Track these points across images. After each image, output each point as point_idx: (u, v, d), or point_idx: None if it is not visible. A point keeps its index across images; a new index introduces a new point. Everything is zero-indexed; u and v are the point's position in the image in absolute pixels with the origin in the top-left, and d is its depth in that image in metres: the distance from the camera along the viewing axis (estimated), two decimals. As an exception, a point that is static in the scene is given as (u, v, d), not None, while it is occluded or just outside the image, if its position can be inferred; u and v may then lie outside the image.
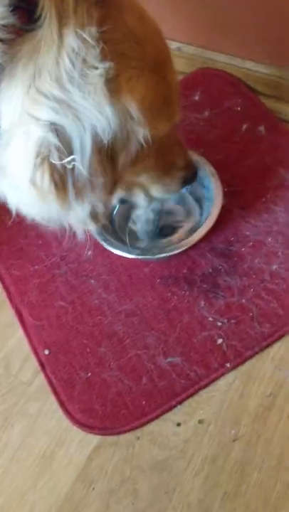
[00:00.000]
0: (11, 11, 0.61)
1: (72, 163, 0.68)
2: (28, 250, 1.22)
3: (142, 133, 0.73)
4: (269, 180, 1.22)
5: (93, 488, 0.95)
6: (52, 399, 1.04)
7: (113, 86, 0.66)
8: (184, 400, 1.00)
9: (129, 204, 1.05)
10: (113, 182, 0.77)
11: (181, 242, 1.11)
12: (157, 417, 0.99)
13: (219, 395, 1.00)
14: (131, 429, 0.99)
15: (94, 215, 0.80)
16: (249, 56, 1.34)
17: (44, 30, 0.63)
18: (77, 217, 0.80)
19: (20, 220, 1.18)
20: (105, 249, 1.15)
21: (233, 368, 1.02)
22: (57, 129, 0.66)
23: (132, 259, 1.13)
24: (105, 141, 0.69)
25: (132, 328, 1.09)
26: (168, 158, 0.91)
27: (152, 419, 0.99)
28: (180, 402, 1.00)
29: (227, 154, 1.27)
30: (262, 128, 1.30)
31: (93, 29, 0.63)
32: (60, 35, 0.62)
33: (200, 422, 0.98)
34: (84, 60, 0.63)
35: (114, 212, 1.17)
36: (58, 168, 0.68)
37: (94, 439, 0.99)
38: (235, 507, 0.90)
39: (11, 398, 1.06)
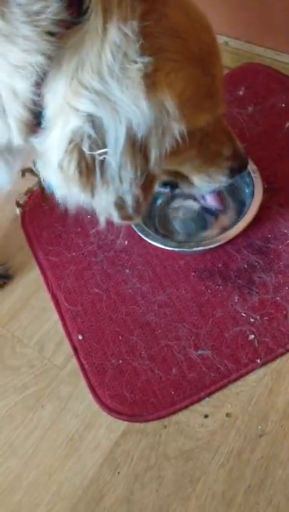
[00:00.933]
0: (64, 5, 0.63)
1: (104, 155, 0.70)
2: (67, 237, 1.25)
3: (177, 129, 0.72)
4: (310, 178, 1.21)
5: (119, 473, 0.97)
6: (83, 383, 1.06)
7: (151, 80, 0.67)
8: (212, 392, 1.01)
9: (169, 195, 1.04)
10: (145, 177, 0.76)
11: (218, 236, 1.12)
12: (185, 407, 1.01)
13: (248, 390, 1.01)
14: (158, 417, 1.00)
15: (119, 206, 0.79)
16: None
17: (90, 23, 0.65)
18: (101, 206, 0.80)
19: (59, 208, 1.24)
20: (142, 240, 1.16)
21: (264, 364, 1.02)
22: (93, 121, 0.68)
23: (167, 251, 1.14)
24: (139, 136, 0.69)
25: (165, 319, 1.10)
26: (213, 148, 0.89)
27: (180, 410, 1.01)
28: (208, 395, 1.01)
29: (269, 151, 1.26)
30: (306, 126, 1.29)
31: (135, 23, 0.65)
32: (104, 29, 0.64)
33: (227, 415, 0.99)
34: (125, 54, 0.65)
35: (155, 204, 1.18)
36: (86, 157, 0.70)
37: (122, 425, 1.01)
38: (258, 501, 0.91)
39: (43, 380, 1.09)
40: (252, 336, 1.05)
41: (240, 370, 1.02)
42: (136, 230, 1.15)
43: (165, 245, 1.13)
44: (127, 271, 1.17)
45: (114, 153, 0.70)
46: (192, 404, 1.01)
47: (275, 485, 0.92)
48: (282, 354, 1.02)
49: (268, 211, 1.17)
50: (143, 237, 1.15)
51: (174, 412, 1.01)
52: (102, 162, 0.71)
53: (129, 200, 0.78)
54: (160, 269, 1.16)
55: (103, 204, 0.79)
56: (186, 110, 0.72)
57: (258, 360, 1.02)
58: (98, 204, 0.79)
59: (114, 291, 1.15)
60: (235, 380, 1.02)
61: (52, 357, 1.11)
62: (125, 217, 0.81)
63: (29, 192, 1.34)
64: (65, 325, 1.14)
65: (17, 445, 1.03)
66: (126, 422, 1.01)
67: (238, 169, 0.97)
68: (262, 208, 1.14)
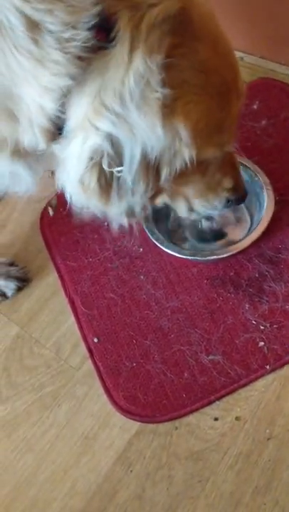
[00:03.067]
0: (93, 32, 0.67)
1: (120, 172, 0.76)
2: (84, 243, 1.30)
3: (188, 154, 0.77)
4: None
5: (131, 471, 1.01)
6: (98, 384, 1.11)
7: (169, 110, 0.71)
8: (222, 396, 1.05)
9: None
10: (155, 191, 0.83)
11: (230, 246, 1.16)
12: (196, 410, 1.05)
13: (257, 395, 1.05)
14: (170, 419, 1.05)
15: (130, 214, 0.85)
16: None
17: (116, 50, 0.69)
18: (114, 214, 0.86)
19: (77, 214, 1.28)
20: (156, 248, 1.21)
21: (273, 370, 1.06)
22: (112, 140, 0.73)
23: (181, 259, 1.18)
24: (153, 156, 0.75)
25: (177, 324, 1.14)
26: (216, 177, 0.94)
27: (191, 412, 1.05)
28: (219, 399, 1.05)
29: (281, 164, 1.30)
30: (317, 140, 1.33)
31: (159, 57, 0.68)
32: (130, 58, 0.68)
33: (237, 418, 1.03)
34: (147, 83, 0.69)
35: (171, 214, 1.22)
36: (105, 173, 0.76)
37: (135, 426, 1.05)
38: (265, 502, 0.94)
39: (60, 380, 1.13)
40: (262, 343, 1.09)
41: (249, 376, 1.06)
42: (151, 237, 1.19)
43: (179, 253, 1.17)
44: (142, 277, 1.22)
45: (129, 170, 0.76)
46: (203, 407, 1.05)
47: (281, 486, 0.96)
48: (290, 361, 1.06)
49: (280, 222, 1.21)
50: (158, 244, 1.19)
51: (185, 414, 1.05)
52: (119, 178, 0.77)
53: (138, 209, 0.84)
54: (174, 276, 1.20)
55: (116, 213, 0.85)
56: (197, 139, 0.76)
57: (267, 367, 1.06)
58: (111, 213, 0.86)
59: (129, 297, 1.20)
60: (245, 385, 1.06)
61: (68, 358, 1.16)
62: (133, 221, 0.88)
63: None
64: (81, 328, 1.18)
65: (34, 442, 1.07)
66: (139, 423, 1.05)
67: (235, 201, 1.02)
68: (273, 219, 1.18)
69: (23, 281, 1.27)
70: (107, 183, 0.77)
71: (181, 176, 0.83)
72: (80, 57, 0.68)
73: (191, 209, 1.01)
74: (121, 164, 0.75)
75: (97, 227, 1.30)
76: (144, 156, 0.74)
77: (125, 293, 1.21)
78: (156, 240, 1.19)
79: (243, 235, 1.18)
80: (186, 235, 1.23)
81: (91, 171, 0.76)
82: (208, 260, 1.17)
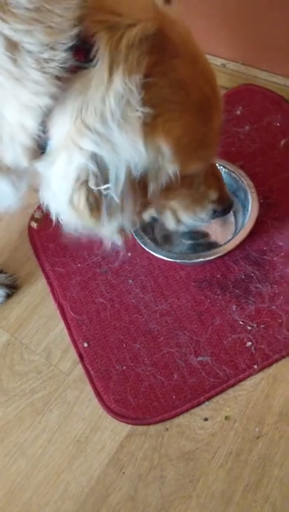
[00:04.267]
0: (72, 52, 0.68)
1: (108, 190, 0.76)
2: (72, 249, 1.31)
3: (171, 169, 0.78)
4: (304, 194, 1.28)
5: (123, 473, 1.02)
6: (89, 388, 1.12)
7: (150, 128, 0.73)
8: (212, 396, 1.07)
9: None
10: (142, 206, 0.84)
11: (217, 248, 1.18)
12: (186, 411, 1.06)
13: (246, 395, 1.06)
14: (161, 420, 1.06)
15: (121, 231, 0.86)
16: (290, 74, 1.41)
17: (97, 69, 0.70)
18: (106, 232, 0.86)
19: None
20: (144, 252, 1.22)
21: (260, 369, 1.08)
22: (96, 159, 0.74)
23: (169, 262, 1.20)
24: (138, 173, 0.76)
25: (166, 327, 1.16)
26: (201, 190, 0.97)
27: (181, 413, 1.06)
28: (208, 399, 1.07)
29: (265, 167, 1.33)
30: (299, 144, 1.36)
31: (138, 77, 0.69)
32: (110, 77, 0.69)
33: (226, 418, 1.05)
34: (128, 102, 0.70)
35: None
36: (94, 193, 0.77)
37: (126, 428, 1.07)
38: (255, 499, 0.96)
39: (51, 385, 1.14)
40: (249, 343, 1.10)
41: (238, 376, 1.08)
42: (139, 242, 1.21)
43: (167, 257, 1.19)
44: (131, 281, 1.23)
45: (116, 188, 0.76)
46: (193, 407, 1.06)
47: (271, 484, 0.97)
48: (277, 360, 1.08)
49: (264, 225, 1.24)
50: (146, 249, 1.21)
51: (176, 416, 1.06)
52: (107, 196, 0.78)
53: (128, 225, 0.85)
54: (162, 279, 1.22)
55: (108, 232, 0.86)
56: (180, 156, 0.78)
57: (255, 366, 1.08)
58: (103, 232, 0.87)
59: (118, 301, 1.21)
60: (234, 384, 1.07)
61: (59, 363, 1.17)
62: (124, 237, 0.89)
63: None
64: (71, 333, 1.20)
65: (26, 447, 1.08)
66: (130, 425, 1.07)
67: (221, 212, 1.05)
68: (258, 221, 1.20)
69: (12, 289, 1.28)
70: (96, 202, 0.78)
71: (168, 191, 0.85)
72: (59, 77, 0.69)
73: (178, 221, 1.03)
74: (107, 182, 0.76)
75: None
76: (129, 173, 0.76)
77: (114, 297, 1.22)
78: (144, 244, 1.20)
79: (228, 237, 1.20)
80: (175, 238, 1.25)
81: (79, 191, 0.77)
82: (196, 263, 1.19)
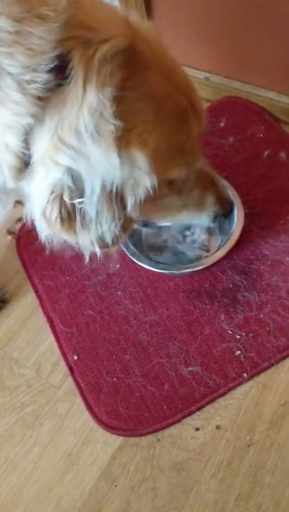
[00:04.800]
0: (53, 73, 0.70)
1: (82, 204, 0.77)
2: (61, 262, 1.31)
3: (148, 182, 0.79)
4: (288, 203, 1.29)
5: (116, 485, 1.02)
6: (79, 401, 1.12)
7: (124, 141, 0.74)
8: (202, 406, 1.07)
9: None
10: (124, 221, 0.84)
11: (204, 259, 1.19)
12: (177, 421, 1.06)
13: (236, 403, 1.07)
14: (152, 431, 1.06)
15: (102, 244, 0.86)
16: (272, 87, 1.43)
17: (71, 86, 0.71)
18: (84, 244, 0.86)
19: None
20: (133, 263, 1.23)
21: (250, 378, 1.09)
22: (72, 173, 0.75)
23: (157, 273, 1.21)
24: (114, 186, 0.77)
25: (156, 337, 1.16)
26: (194, 195, 0.98)
27: (172, 423, 1.06)
28: (199, 409, 1.07)
29: (249, 178, 1.35)
30: (283, 154, 1.38)
31: (111, 91, 0.71)
32: (84, 93, 0.70)
33: (217, 427, 1.05)
34: (101, 116, 0.71)
35: (144, 230, 1.25)
36: (67, 206, 0.78)
37: (118, 440, 1.06)
38: (248, 507, 0.96)
39: (41, 399, 1.14)
40: (238, 352, 1.11)
41: (228, 384, 1.08)
42: (127, 253, 1.22)
43: (155, 267, 1.20)
44: (120, 293, 1.24)
45: (91, 201, 0.77)
46: (184, 417, 1.07)
47: (263, 491, 0.98)
48: (266, 368, 1.09)
49: (250, 234, 1.25)
50: (134, 260, 1.21)
51: (167, 426, 1.06)
52: (81, 209, 0.78)
53: (108, 238, 0.85)
54: (151, 290, 1.23)
55: (86, 243, 0.86)
56: (157, 166, 0.79)
57: (245, 375, 1.09)
58: (81, 242, 0.86)
59: (107, 313, 1.22)
60: (224, 393, 1.08)
61: (49, 376, 1.16)
62: (105, 249, 0.88)
63: (20, 220, 1.40)
64: (60, 346, 1.19)
65: (17, 461, 1.07)
66: (122, 437, 1.07)
67: (222, 214, 1.07)
68: (244, 231, 1.21)
69: (1, 303, 1.28)
70: (69, 215, 0.79)
71: (154, 201, 0.85)
72: (40, 98, 0.70)
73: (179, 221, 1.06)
74: (82, 196, 0.77)
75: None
76: (105, 187, 0.77)
77: (104, 309, 1.23)
78: (132, 255, 1.21)
79: (216, 247, 1.22)
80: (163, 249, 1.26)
81: (52, 204, 0.77)
82: (184, 273, 1.20)
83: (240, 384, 1.08)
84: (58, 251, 0.92)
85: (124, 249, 1.21)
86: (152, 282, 1.24)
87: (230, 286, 1.20)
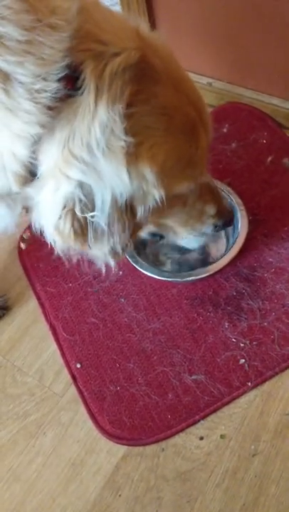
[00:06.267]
0: (63, 83, 0.70)
1: (94, 217, 0.78)
2: (63, 269, 1.31)
3: (157, 194, 0.80)
4: (292, 210, 1.29)
5: (120, 495, 1.01)
6: (83, 410, 1.11)
7: (133, 156, 0.74)
8: (207, 415, 1.07)
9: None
10: (132, 229, 0.85)
11: (208, 266, 1.18)
12: (181, 430, 1.06)
13: (240, 412, 1.06)
14: (156, 440, 1.05)
15: (114, 253, 0.87)
16: (275, 93, 1.43)
17: (83, 99, 0.71)
18: (97, 254, 0.88)
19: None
20: (136, 271, 1.23)
21: (254, 386, 1.08)
22: (83, 187, 0.76)
23: (160, 280, 1.20)
24: (124, 200, 0.78)
25: (160, 346, 1.16)
26: (197, 206, 0.98)
27: (177, 433, 1.06)
28: (203, 418, 1.07)
29: (252, 184, 1.34)
30: (286, 160, 1.37)
31: (121, 107, 0.71)
32: (96, 106, 0.71)
33: (222, 436, 1.05)
34: (112, 132, 0.72)
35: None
36: (79, 219, 0.78)
37: (121, 449, 1.06)
38: (253, 518, 0.96)
39: (44, 408, 1.13)
40: (242, 360, 1.11)
41: (232, 393, 1.08)
42: (130, 261, 1.21)
43: (158, 275, 1.19)
44: (122, 300, 1.23)
45: (102, 214, 0.78)
46: (188, 427, 1.06)
47: (268, 502, 0.97)
48: (271, 377, 1.09)
49: (254, 241, 1.25)
50: (137, 267, 1.21)
51: (171, 435, 1.06)
52: (93, 222, 0.79)
53: (119, 248, 0.86)
54: (154, 297, 1.22)
55: (99, 254, 0.87)
56: (166, 179, 0.80)
57: (249, 383, 1.08)
58: (94, 254, 0.88)
59: (110, 320, 1.21)
60: (228, 402, 1.07)
61: (52, 385, 1.16)
62: (117, 258, 0.90)
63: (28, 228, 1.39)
64: (63, 354, 1.19)
65: (20, 471, 1.07)
66: (125, 446, 1.06)
67: (222, 226, 1.06)
68: (248, 238, 1.21)
69: (3, 310, 1.28)
70: (81, 228, 0.80)
71: (161, 211, 0.86)
72: (50, 107, 0.70)
73: (180, 236, 1.05)
74: (93, 209, 0.78)
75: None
76: (115, 200, 0.77)
77: (106, 317, 1.22)
78: (136, 263, 1.21)
79: (221, 253, 1.21)
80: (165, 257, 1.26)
81: (65, 218, 0.78)
82: (187, 281, 1.19)
83: (244, 393, 1.08)
84: (64, 257, 0.92)
85: (128, 257, 1.21)
86: (155, 289, 1.23)
87: (234, 293, 1.19)
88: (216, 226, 1.04)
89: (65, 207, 0.77)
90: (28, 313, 1.27)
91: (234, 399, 1.08)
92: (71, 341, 1.20)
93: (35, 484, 1.05)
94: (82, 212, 0.77)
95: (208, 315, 1.18)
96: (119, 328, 1.20)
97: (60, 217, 0.78)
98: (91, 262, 0.94)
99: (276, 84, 1.41)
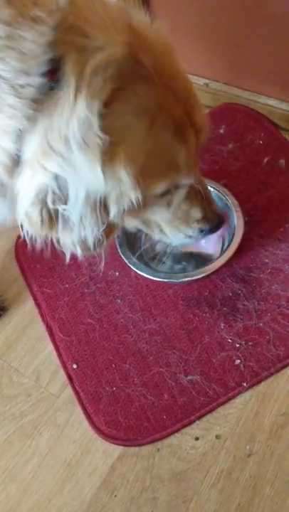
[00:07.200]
0: (47, 77, 0.68)
1: (65, 209, 0.77)
2: (60, 270, 1.31)
3: (133, 196, 0.77)
4: (288, 211, 1.29)
5: (115, 496, 1.02)
6: (79, 410, 1.11)
7: (109, 155, 0.72)
8: (202, 415, 1.07)
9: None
10: (109, 227, 0.83)
11: (204, 267, 1.18)
12: (177, 430, 1.06)
13: (236, 413, 1.07)
14: (152, 441, 1.06)
15: (84, 246, 0.84)
16: (272, 94, 1.43)
17: (63, 92, 0.70)
18: (65, 244, 0.85)
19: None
20: (132, 271, 1.23)
21: (250, 387, 1.08)
22: (58, 180, 0.74)
23: (157, 281, 1.21)
24: (98, 196, 0.76)
25: (155, 346, 1.16)
26: (182, 208, 0.95)
27: (172, 433, 1.06)
28: (199, 418, 1.07)
29: (248, 185, 1.35)
30: (282, 161, 1.37)
31: (100, 103, 0.69)
32: (75, 101, 0.69)
33: (217, 437, 1.05)
34: (89, 128, 0.70)
35: (142, 237, 1.25)
36: (49, 209, 0.77)
37: (117, 450, 1.06)
38: (248, 518, 0.96)
39: (40, 408, 1.13)
40: (238, 361, 1.11)
41: (227, 394, 1.08)
42: (126, 261, 1.21)
43: (154, 276, 1.19)
44: (119, 301, 1.24)
45: (74, 208, 0.77)
46: (183, 427, 1.06)
47: (263, 502, 0.97)
48: (266, 377, 1.09)
49: (250, 242, 1.25)
50: (133, 268, 1.21)
51: (167, 436, 1.06)
52: (63, 214, 0.78)
53: (90, 242, 0.84)
54: (150, 298, 1.23)
55: (67, 243, 0.85)
56: (144, 181, 0.77)
57: (244, 384, 1.08)
58: (62, 242, 0.85)
59: (106, 321, 1.21)
60: (224, 403, 1.08)
61: (48, 385, 1.16)
62: (87, 252, 0.87)
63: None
64: (59, 354, 1.19)
65: (16, 472, 1.07)
66: (121, 447, 1.06)
67: (208, 231, 1.02)
68: (244, 239, 1.21)
69: (0, 310, 1.28)
70: (50, 218, 0.79)
71: (141, 210, 0.84)
72: (34, 100, 0.70)
73: (165, 236, 1.01)
74: (66, 203, 0.77)
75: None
76: (89, 196, 0.76)
77: (103, 317, 1.22)
78: (132, 264, 1.21)
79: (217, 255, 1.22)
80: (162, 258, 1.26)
81: (35, 206, 0.77)
82: (183, 281, 1.19)
83: (239, 393, 1.08)
84: (29, 242, 0.89)
85: (124, 258, 1.21)
86: (151, 290, 1.23)
87: (230, 294, 1.19)
88: (201, 231, 1.01)
89: (37, 196, 0.76)
90: (25, 313, 1.28)
91: (229, 399, 1.08)
92: (67, 342, 1.20)
93: (31, 485, 1.05)
94: (54, 203, 0.76)
95: (204, 316, 1.18)
96: (116, 328, 1.20)
97: (32, 204, 0.77)
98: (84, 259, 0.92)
99: (273, 86, 1.41)
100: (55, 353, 1.19)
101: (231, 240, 1.20)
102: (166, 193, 0.87)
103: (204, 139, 0.86)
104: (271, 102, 1.44)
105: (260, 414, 1.06)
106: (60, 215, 0.79)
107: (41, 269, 1.32)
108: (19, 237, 1.36)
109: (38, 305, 1.27)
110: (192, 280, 1.19)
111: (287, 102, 1.41)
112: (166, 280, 1.20)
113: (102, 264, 0.94)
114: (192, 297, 1.21)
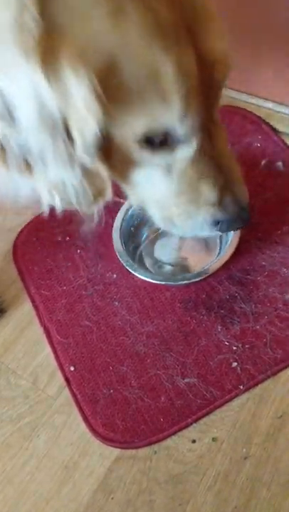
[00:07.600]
0: None
1: (16, 134, 0.59)
2: (57, 272, 1.31)
3: (92, 119, 0.55)
4: (285, 214, 1.30)
5: (112, 498, 1.02)
6: (76, 413, 1.12)
7: (51, 49, 0.52)
8: (199, 418, 1.07)
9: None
10: (86, 172, 0.62)
11: (201, 270, 1.19)
12: (174, 433, 1.06)
13: (232, 415, 1.07)
14: (149, 443, 1.06)
15: (64, 199, 0.65)
16: (269, 97, 1.43)
17: None
18: (39, 188, 0.66)
19: (50, 242, 1.30)
20: (130, 274, 1.23)
21: (247, 390, 1.09)
22: (2, 95, 0.56)
23: (154, 284, 1.21)
24: (53, 116, 0.56)
25: (153, 349, 1.16)
26: (190, 177, 0.67)
27: (169, 436, 1.06)
28: (195, 421, 1.07)
29: (246, 188, 1.34)
30: (280, 164, 1.38)
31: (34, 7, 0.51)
32: None
33: (214, 439, 1.05)
34: (27, 10, 0.51)
35: (142, 238, 1.25)
36: None
37: (114, 452, 1.06)
38: (244, 521, 0.96)
39: (38, 410, 1.14)
40: (235, 364, 1.11)
41: (224, 396, 1.08)
42: (124, 264, 1.22)
43: (152, 279, 1.20)
44: (116, 303, 1.24)
45: (28, 132, 0.59)
46: (180, 430, 1.07)
47: (260, 505, 0.98)
48: (263, 380, 1.09)
49: (247, 245, 1.25)
50: (131, 271, 1.21)
51: (164, 438, 1.06)
52: (20, 144, 0.60)
53: (71, 193, 0.65)
54: (148, 300, 1.23)
55: (42, 189, 0.66)
56: (110, 101, 0.55)
57: (241, 387, 1.09)
58: (37, 187, 0.67)
59: (104, 323, 1.22)
60: (220, 405, 1.08)
61: (46, 388, 1.16)
62: (71, 208, 0.69)
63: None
64: (57, 357, 1.19)
65: (13, 474, 1.07)
66: (118, 449, 1.06)
67: (226, 225, 0.74)
68: (241, 241, 1.21)
69: (-2, 312, 1.27)
70: (2, 149, 0.61)
71: (130, 160, 0.63)
72: None
73: (171, 223, 0.75)
74: (15, 125, 0.58)
75: (71, 254, 1.32)
76: (42, 115, 0.56)
77: (100, 320, 1.22)
78: (129, 267, 1.21)
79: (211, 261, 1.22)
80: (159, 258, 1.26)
81: None
82: (181, 284, 1.20)
83: (236, 396, 1.08)
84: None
85: (121, 260, 1.21)
86: (149, 292, 1.24)
87: (227, 297, 1.20)
88: (217, 222, 0.72)
89: None
90: (23, 315, 1.28)
91: (226, 402, 1.08)
92: (65, 344, 1.20)
93: (28, 487, 1.06)
94: (3, 129, 0.58)
95: (201, 318, 1.18)
96: (113, 331, 1.20)
97: None
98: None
99: (270, 88, 1.42)
100: (52, 356, 1.20)
101: (228, 242, 1.21)
102: (159, 144, 0.63)
103: (222, 76, 0.63)
104: (269, 104, 1.44)
105: (257, 416, 1.06)
106: (13, 142, 0.59)
107: (39, 271, 1.32)
108: (17, 238, 1.38)
109: (35, 307, 1.28)
110: (190, 283, 1.19)
111: (284, 105, 1.41)
112: (163, 282, 1.20)
113: (92, 224, 0.74)
114: (189, 300, 1.21)
